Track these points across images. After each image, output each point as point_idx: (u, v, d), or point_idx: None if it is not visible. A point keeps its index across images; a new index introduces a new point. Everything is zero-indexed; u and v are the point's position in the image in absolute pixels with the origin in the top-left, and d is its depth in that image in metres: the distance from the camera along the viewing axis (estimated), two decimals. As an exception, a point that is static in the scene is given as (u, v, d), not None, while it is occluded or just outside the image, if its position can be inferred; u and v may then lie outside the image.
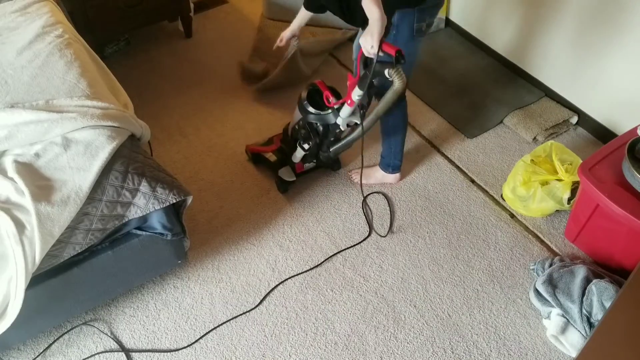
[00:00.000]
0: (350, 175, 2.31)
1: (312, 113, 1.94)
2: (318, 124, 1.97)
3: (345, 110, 1.83)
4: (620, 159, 1.82)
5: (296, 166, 2.19)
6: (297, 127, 2.06)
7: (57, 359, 1.74)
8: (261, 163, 2.34)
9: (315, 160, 2.20)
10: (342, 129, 1.91)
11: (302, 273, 1.98)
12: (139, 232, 1.66)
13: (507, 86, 2.72)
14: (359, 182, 2.21)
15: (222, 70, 2.88)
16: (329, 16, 3.04)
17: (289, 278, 1.96)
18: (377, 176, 2.26)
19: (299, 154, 2.11)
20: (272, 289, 1.93)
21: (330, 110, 1.92)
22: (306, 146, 2.02)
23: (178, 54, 2.98)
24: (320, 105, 1.94)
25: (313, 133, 1.98)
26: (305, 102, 1.95)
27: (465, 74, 2.81)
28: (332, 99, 1.88)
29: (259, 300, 1.90)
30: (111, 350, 1.76)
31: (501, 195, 2.24)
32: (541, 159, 2.11)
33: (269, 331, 1.82)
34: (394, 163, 2.20)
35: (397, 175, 2.25)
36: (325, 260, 2.02)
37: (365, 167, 2.29)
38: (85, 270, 1.61)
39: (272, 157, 2.26)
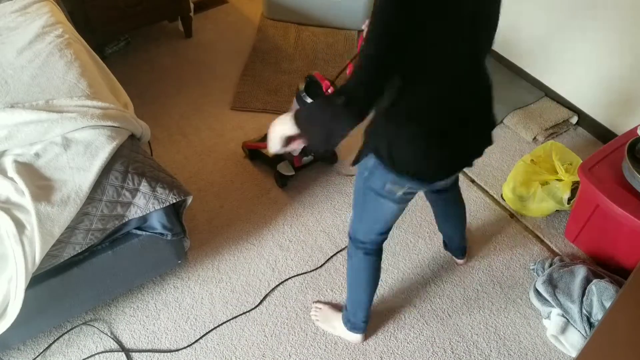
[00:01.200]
0: (312, 309, 1.87)
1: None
2: None
3: None
4: (620, 159, 1.82)
5: (294, 160, 2.19)
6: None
7: (57, 359, 1.74)
8: (258, 159, 2.34)
9: (312, 154, 2.20)
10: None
11: (302, 274, 1.98)
12: (139, 232, 1.66)
13: (507, 86, 2.71)
14: (317, 325, 1.83)
15: (222, 70, 2.88)
16: (329, 16, 3.05)
17: (289, 278, 1.96)
18: (337, 327, 1.79)
19: (294, 152, 2.11)
20: (272, 289, 1.93)
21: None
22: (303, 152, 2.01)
23: (178, 54, 2.98)
24: (318, 96, 1.94)
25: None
26: (304, 93, 1.95)
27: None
28: (332, 90, 1.88)
29: (259, 300, 1.90)
30: (111, 350, 1.76)
31: (501, 195, 2.24)
32: (541, 159, 2.11)
33: (269, 331, 1.82)
34: (354, 322, 1.72)
35: (359, 337, 1.76)
36: (326, 260, 2.02)
37: (331, 306, 1.86)
38: (85, 270, 1.61)
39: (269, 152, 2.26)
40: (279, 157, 2.23)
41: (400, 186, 1.30)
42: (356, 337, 1.77)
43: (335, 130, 1.10)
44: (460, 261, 1.99)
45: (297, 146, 1.22)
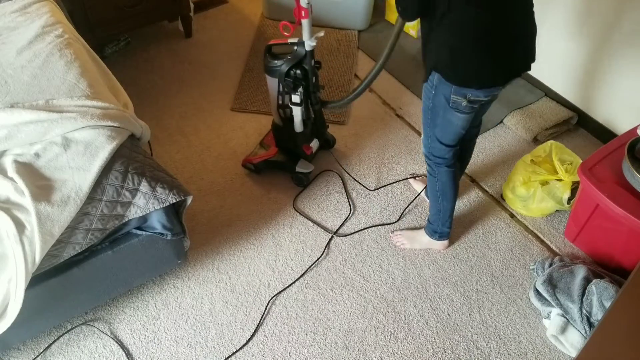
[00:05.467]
0: (392, 237, 2.09)
1: (283, 61, 1.95)
2: (296, 71, 1.97)
3: (305, 25, 1.85)
4: (620, 159, 1.82)
5: (304, 149, 2.19)
6: (281, 93, 2.06)
7: (57, 359, 1.74)
8: (272, 168, 2.30)
9: (317, 136, 2.23)
10: (313, 46, 1.91)
11: (302, 275, 1.98)
12: (139, 232, 1.66)
13: (507, 86, 2.71)
14: (404, 247, 2.05)
15: (222, 70, 2.88)
16: (329, 16, 3.05)
17: (291, 285, 1.96)
18: (423, 241, 2.04)
19: (297, 115, 2.09)
20: (275, 295, 1.93)
21: (295, 47, 1.94)
22: (299, 94, 2.00)
23: (178, 54, 2.98)
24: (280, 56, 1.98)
25: (296, 80, 1.98)
26: (270, 60, 1.97)
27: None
28: (290, 26, 1.86)
29: (259, 301, 1.90)
30: (111, 350, 1.76)
31: (501, 195, 2.24)
32: (541, 159, 2.11)
33: (269, 331, 1.82)
34: (442, 230, 1.98)
35: (445, 242, 2.03)
36: (325, 260, 2.02)
37: (408, 229, 2.11)
38: (85, 270, 1.61)
39: (280, 157, 2.26)
40: (292, 159, 2.24)
41: (462, 96, 1.52)
42: (444, 244, 2.03)
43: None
44: None
45: None
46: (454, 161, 1.79)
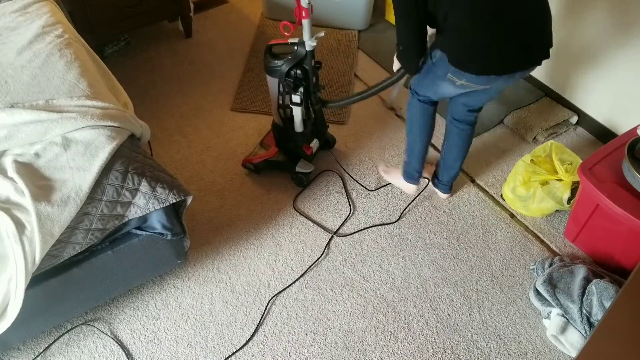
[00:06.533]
0: (379, 167, 2.30)
1: (283, 61, 1.95)
2: (296, 71, 1.97)
3: (306, 25, 1.85)
4: (620, 159, 1.82)
5: (305, 149, 2.19)
6: (281, 93, 2.05)
7: (57, 359, 1.74)
8: (272, 168, 2.30)
9: (317, 137, 2.23)
10: (314, 46, 1.91)
11: (302, 275, 1.98)
12: (139, 232, 1.66)
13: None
14: (383, 178, 2.23)
15: (222, 70, 2.88)
16: (329, 16, 3.05)
17: (291, 285, 1.96)
18: (397, 179, 2.22)
19: (297, 115, 2.09)
20: (275, 295, 1.93)
21: (295, 47, 1.94)
22: (299, 94, 2.00)
23: (178, 54, 2.98)
24: (280, 56, 1.98)
25: (297, 80, 1.98)
26: (271, 60, 1.97)
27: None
28: (290, 26, 1.86)
29: (259, 301, 1.90)
30: (111, 350, 1.76)
31: (501, 195, 2.24)
32: (541, 159, 2.11)
33: (269, 331, 1.82)
34: (409, 170, 2.12)
35: (412, 187, 2.16)
36: (325, 260, 2.02)
37: (395, 166, 2.28)
38: (85, 270, 1.61)
39: (281, 157, 2.26)
40: (292, 159, 2.24)
41: (459, 78, 1.60)
42: (411, 187, 2.16)
43: (410, 62, 1.70)
44: (444, 196, 2.14)
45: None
46: (430, 102, 1.89)
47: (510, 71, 1.60)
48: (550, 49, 1.60)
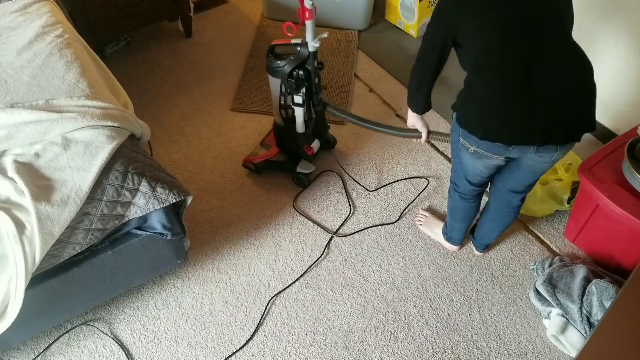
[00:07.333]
0: (418, 214, 2.15)
1: (286, 62, 1.95)
2: (299, 72, 1.97)
3: (309, 26, 1.85)
4: (620, 159, 1.82)
5: (306, 150, 2.18)
6: (283, 94, 2.05)
7: (57, 359, 1.74)
8: (272, 168, 2.30)
9: (318, 137, 2.22)
10: (317, 47, 1.91)
11: (302, 275, 1.98)
12: (139, 232, 1.66)
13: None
14: (421, 228, 2.11)
15: (222, 70, 2.88)
16: (329, 16, 3.05)
17: (291, 285, 1.96)
18: (437, 233, 2.06)
19: (299, 116, 2.09)
20: (275, 295, 1.93)
21: (298, 48, 1.94)
22: (301, 95, 1.99)
23: (178, 54, 2.98)
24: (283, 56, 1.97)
25: (299, 81, 1.98)
26: (273, 60, 1.96)
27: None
28: (293, 27, 1.86)
29: (259, 301, 1.90)
30: (111, 350, 1.76)
31: (501, 195, 2.24)
32: (541, 159, 2.11)
33: (269, 331, 1.82)
34: (451, 235, 1.99)
35: (453, 247, 2.03)
36: (325, 260, 2.02)
37: (435, 215, 2.13)
38: (85, 270, 1.61)
39: (281, 157, 2.26)
40: (292, 160, 2.24)
41: (470, 144, 1.48)
42: (452, 247, 2.04)
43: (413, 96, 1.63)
44: (478, 253, 2.06)
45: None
46: (468, 196, 1.77)
47: (521, 144, 1.41)
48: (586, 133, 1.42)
